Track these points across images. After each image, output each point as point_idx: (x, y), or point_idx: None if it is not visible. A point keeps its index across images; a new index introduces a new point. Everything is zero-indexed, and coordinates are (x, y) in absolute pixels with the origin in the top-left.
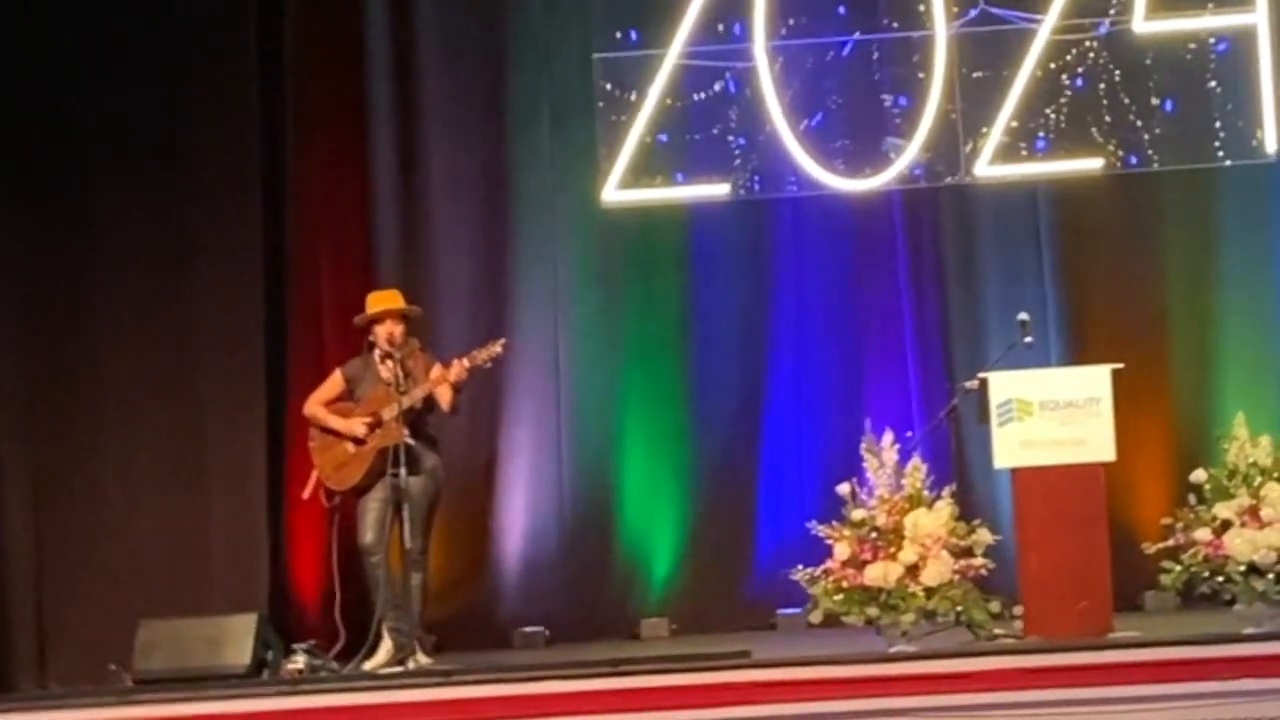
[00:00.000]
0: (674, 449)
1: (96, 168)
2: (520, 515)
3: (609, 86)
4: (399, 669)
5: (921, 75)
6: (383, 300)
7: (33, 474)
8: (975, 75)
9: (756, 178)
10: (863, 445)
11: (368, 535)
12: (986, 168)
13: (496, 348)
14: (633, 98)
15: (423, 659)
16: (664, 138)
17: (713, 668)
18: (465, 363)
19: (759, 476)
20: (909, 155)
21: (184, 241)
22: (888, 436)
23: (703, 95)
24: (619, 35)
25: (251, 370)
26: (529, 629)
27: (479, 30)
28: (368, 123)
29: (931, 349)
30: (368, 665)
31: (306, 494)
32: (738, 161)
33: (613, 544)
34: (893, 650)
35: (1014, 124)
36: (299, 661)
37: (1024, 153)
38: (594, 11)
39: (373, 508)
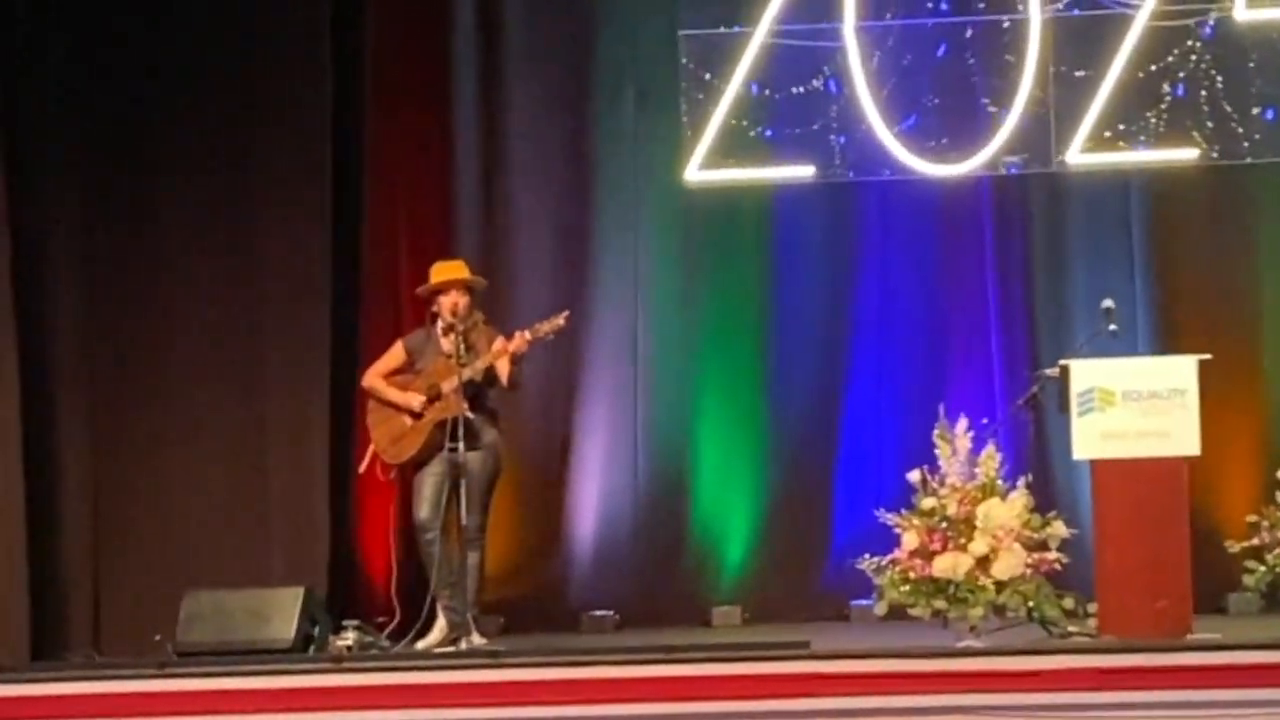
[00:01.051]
0: (751, 434)
1: (161, 136)
2: (593, 498)
3: (695, 65)
4: (450, 649)
5: (1011, 60)
6: (448, 270)
7: (92, 443)
8: (1071, 62)
9: (850, 172)
10: (935, 432)
11: (423, 511)
12: (1078, 156)
13: (560, 320)
14: (719, 77)
15: (477, 640)
16: (769, 133)
17: (770, 658)
18: (527, 335)
19: (836, 464)
20: (999, 141)
21: (249, 207)
22: (961, 423)
23: (801, 89)
24: (706, 13)
25: (316, 342)
26: (598, 613)
27: (566, 4)
28: (450, 94)
29: (1016, 337)
30: (421, 645)
31: (362, 468)
32: (838, 160)
33: (686, 529)
34: (960, 645)
35: (1121, 126)
36: (349, 638)
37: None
38: None
39: (429, 483)
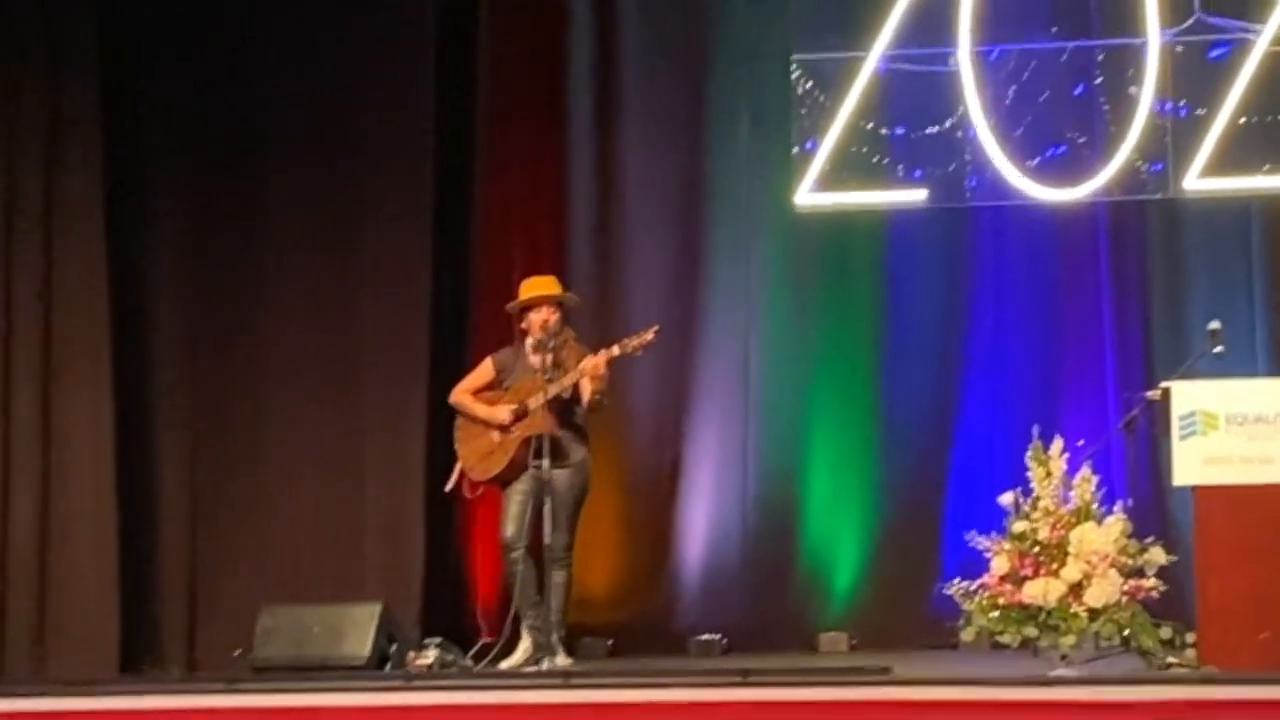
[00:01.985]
0: (861, 458)
1: (268, 146)
2: (703, 521)
3: (809, 89)
4: (532, 669)
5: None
6: (538, 286)
7: (190, 454)
8: (1191, 82)
9: (966, 199)
10: (1028, 453)
11: (508, 529)
12: (1196, 181)
13: (649, 335)
14: (833, 102)
15: (561, 660)
16: (918, 173)
17: (849, 683)
18: (614, 350)
19: (947, 489)
20: (1115, 165)
21: (352, 219)
22: (1056, 445)
23: (936, 129)
24: (822, 38)
25: (415, 357)
26: (705, 636)
27: (681, 27)
28: (564, 112)
29: (1132, 363)
30: (504, 665)
31: (449, 486)
32: (967, 196)
33: (795, 554)
34: (1052, 674)
35: (1268, 167)
36: (429, 656)
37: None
38: (798, 13)
39: (515, 500)
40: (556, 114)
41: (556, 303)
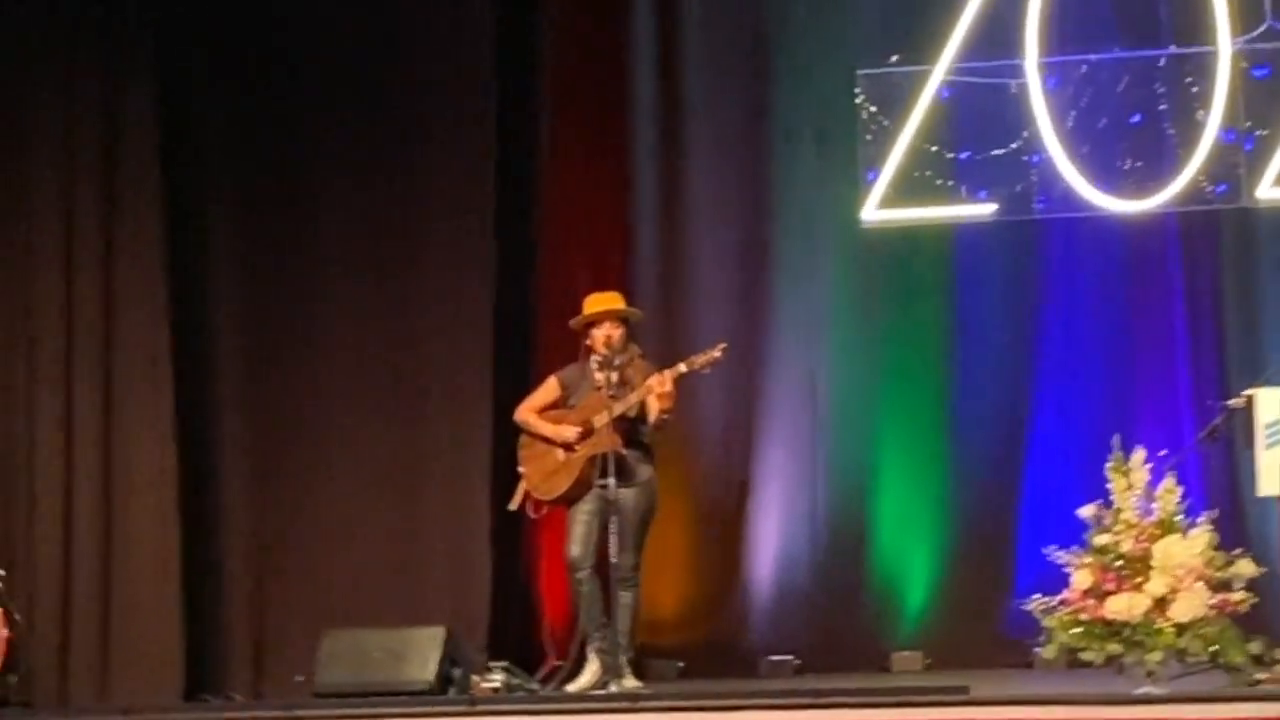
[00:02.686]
0: (932, 475)
1: (326, 168)
2: (773, 540)
3: (872, 104)
4: (600, 692)
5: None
6: (602, 301)
7: (253, 478)
8: (1256, 103)
9: (1034, 211)
10: (1108, 464)
11: (573, 549)
12: (1269, 190)
13: (715, 352)
14: (897, 116)
15: (629, 683)
16: (983, 194)
17: (925, 703)
18: (682, 367)
19: (1020, 505)
20: (1186, 176)
21: (413, 242)
22: (1138, 455)
23: (1001, 151)
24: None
25: (478, 376)
26: (777, 657)
27: (744, 45)
28: (628, 132)
29: (1206, 376)
30: (571, 687)
31: (513, 505)
32: (1035, 215)
33: (866, 573)
34: (1138, 693)
35: None
36: (495, 680)
37: None
38: (861, 28)
39: (580, 520)
40: (619, 131)
41: (620, 318)
